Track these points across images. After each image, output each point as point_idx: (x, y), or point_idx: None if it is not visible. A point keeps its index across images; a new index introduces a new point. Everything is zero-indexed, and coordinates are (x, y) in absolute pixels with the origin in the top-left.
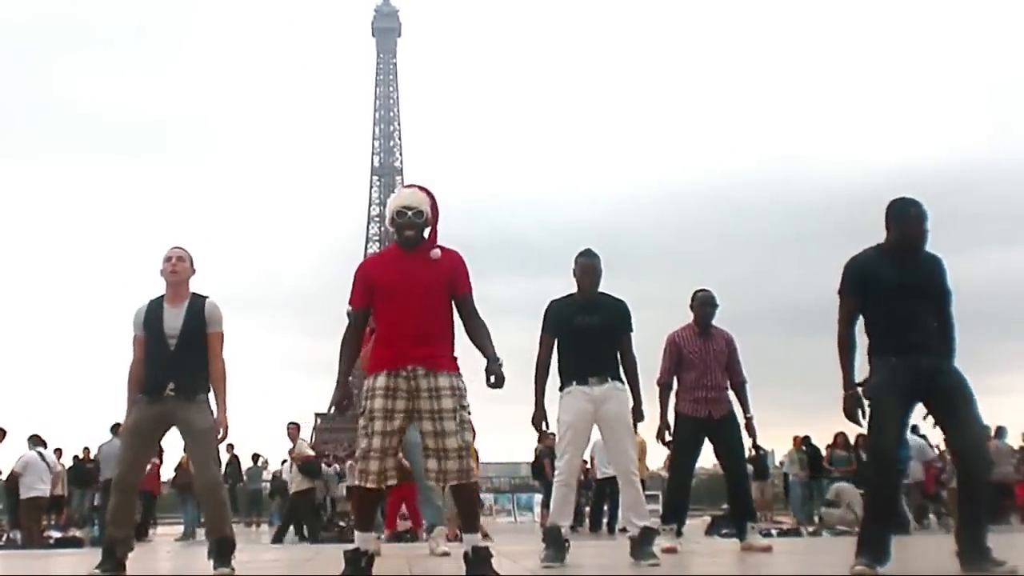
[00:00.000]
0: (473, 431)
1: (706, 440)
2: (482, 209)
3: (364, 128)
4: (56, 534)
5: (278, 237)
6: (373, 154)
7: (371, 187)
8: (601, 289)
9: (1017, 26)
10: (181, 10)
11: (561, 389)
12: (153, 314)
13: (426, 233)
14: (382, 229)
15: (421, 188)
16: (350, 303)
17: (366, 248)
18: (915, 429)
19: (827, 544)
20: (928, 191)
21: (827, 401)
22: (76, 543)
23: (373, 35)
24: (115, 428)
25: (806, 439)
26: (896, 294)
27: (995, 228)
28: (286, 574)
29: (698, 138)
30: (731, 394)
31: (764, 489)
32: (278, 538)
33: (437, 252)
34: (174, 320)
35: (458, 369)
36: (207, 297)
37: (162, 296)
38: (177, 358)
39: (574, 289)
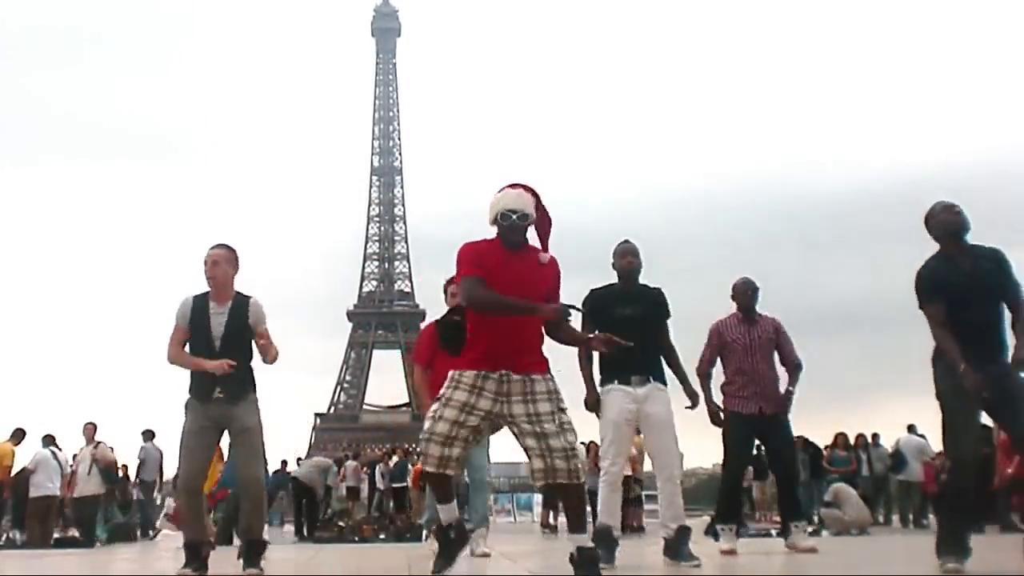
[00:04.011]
0: (574, 432)
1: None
2: (481, 210)
3: (364, 128)
4: (55, 534)
5: (278, 237)
6: (373, 154)
7: (371, 187)
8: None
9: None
10: (181, 11)
11: (601, 385)
12: (199, 313)
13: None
14: (382, 229)
15: (526, 189)
16: (467, 272)
17: (366, 248)
18: (912, 428)
19: (826, 544)
20: (931, 194)
21: (827, 401)
22: (76, 543)
23: (373, 35)
24: (147, 434)
25: (806, 440)
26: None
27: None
28: (286, 574)
29: (698, 142)
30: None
31: (764, 489)
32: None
33: (546, 256)
34: (219, 320)
35: (550, 371)
36: (251, 297)
37: (207, 293)
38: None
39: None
